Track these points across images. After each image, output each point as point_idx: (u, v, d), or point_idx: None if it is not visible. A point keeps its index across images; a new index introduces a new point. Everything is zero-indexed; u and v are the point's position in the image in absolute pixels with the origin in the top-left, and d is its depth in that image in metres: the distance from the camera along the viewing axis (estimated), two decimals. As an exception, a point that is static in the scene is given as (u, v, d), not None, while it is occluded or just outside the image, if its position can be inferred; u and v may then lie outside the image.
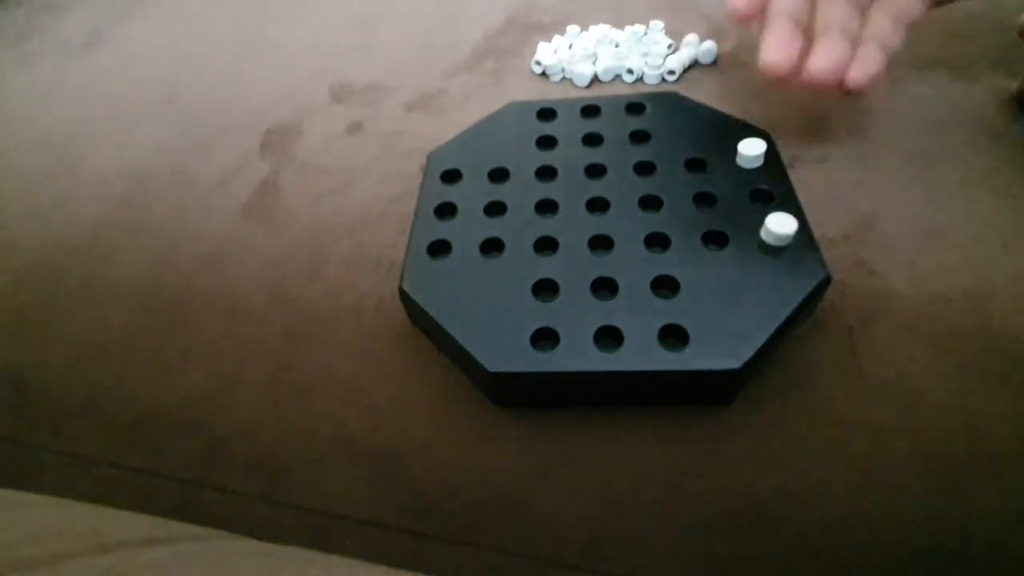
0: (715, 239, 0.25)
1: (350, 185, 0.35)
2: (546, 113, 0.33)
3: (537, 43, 0.42)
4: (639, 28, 0.42)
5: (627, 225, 0.26)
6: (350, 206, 0.34)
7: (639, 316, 0.23)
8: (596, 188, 0.28)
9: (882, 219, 0.29)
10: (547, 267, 0.25)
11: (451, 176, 0.30)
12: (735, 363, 0.21)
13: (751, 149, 0.27)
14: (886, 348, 0.25)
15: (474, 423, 0.24)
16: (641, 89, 0.39)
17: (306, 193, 0.35)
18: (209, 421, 0.26)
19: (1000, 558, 0.20)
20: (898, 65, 0.37)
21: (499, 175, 0.30)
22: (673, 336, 0.22)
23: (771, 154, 0.28)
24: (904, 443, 0.22)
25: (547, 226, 0.27)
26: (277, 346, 0.28)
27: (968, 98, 0.34)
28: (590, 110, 0.33)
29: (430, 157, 0.31)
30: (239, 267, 0.32)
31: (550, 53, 0.41)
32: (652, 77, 0.39)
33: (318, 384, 0.26)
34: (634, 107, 0.32)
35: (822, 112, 0.34)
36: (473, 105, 0.39)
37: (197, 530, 0.21)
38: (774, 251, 0.24)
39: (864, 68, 0.27)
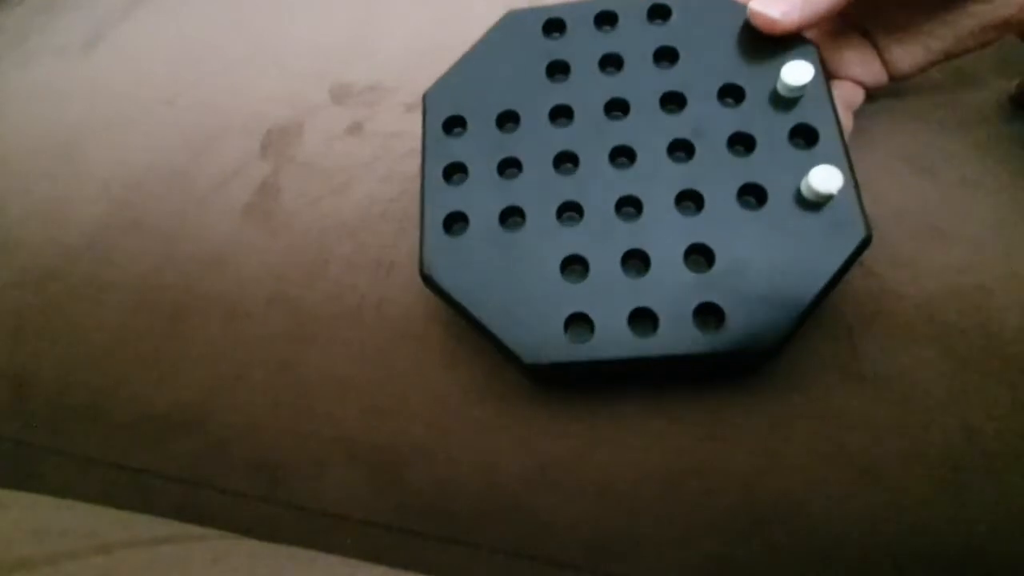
0: (752, 192, 0.23)
1: (350, 186, 0.35)
2: (553, 24, 0.28)
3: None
4: None
5: (656, 181, 0.24)
6: (350, 207, 0.34)
7: (673, 295, 0.22)
8: (619, 132, 0.25)
9: (881, 219, 0.29)
10: (573, 240, 0.23)
11: (454, 124, 0.27)
12: (771, 343, 0.21)
13: (796, 76, 0.24)
14: (886, 348, 0.25)
15: (474, 424, 0.24)
16: None
17: (306, 194, 0.35)
18: (209, 421, 0.26)
19: (1000, 558, 0.20)
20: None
21: (508, 119, 0.27)
22: (709, 312, 0.22)
23: (816, 78, 0.24)
24: (904, 443, 0.22)
25: (569, 187, 0.24)
26: (277, 346, 0.28)
27: (967, 98, 0.34)
28: (605, 18, 0.28)
29: (427, 99, 0.28)
30: (239, 268, 0.32)
31: None
32: None
33: (318, 384, 0.26)
34: (658, 10, 0.27)
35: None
36: (473, 106, 0.39)
37: (197, 530, 0.21)
38: (813, 206, 0.22)
39: None
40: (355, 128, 0.39)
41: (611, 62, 0.27)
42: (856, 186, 0.22)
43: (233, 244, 0.33)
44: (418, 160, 0.36)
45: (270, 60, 0.47)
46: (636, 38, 0.27)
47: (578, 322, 0.22)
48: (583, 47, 0.27)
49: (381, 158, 0.37)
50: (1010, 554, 0.20)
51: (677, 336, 0.21)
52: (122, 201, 0.37)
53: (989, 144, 0.31)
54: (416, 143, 0.37)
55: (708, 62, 0.26)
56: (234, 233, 0.34)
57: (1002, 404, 0.23)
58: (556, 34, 0.28)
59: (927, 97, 0.34)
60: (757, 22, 0.25)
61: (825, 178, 0.21)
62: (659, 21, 0.27)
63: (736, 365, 0.23)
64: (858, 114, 0.34)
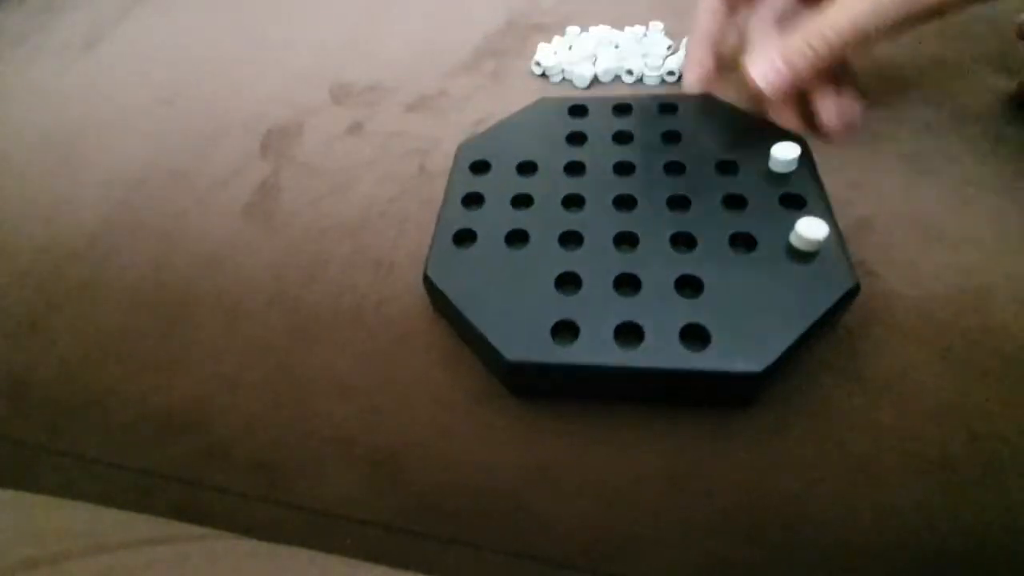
0: (743, 241, 0.25)
1: (350, 186, 0.35)
2: (577, 110, 0.33)
3: (537, 44, 0.43)
4: (639, 29, 0.42)
5: (653, 223, 0.26)
6: (350, 207, 0.34)
7: (661, 314, 0.23)
8: (624, 186, 0.28)
9: (881, 220, 0.29)
10: (571, 261, 0.25)
11: (480, 167, 0.30)
12: (756, 366, 0.21)
13: (784, 153, 0.27)
14: (886, 349, 0.25)
15: (474, 423, 0.24)
16: (670, 89, 0.39)
17: (306, 194, 0.35)
18: (209, 421, 0.26)
19: (999, 558, 0.20)
20: (898, 65, 0.37)
21: (527, 168, 0.30)
22: (695, 336, 0.22)
23: (805, 159, 0.28)
24: (903, 443, 0.22)
25: (573, 220, 0.27)
26: (277, 346, 0.28)
27: (968, 98, 0.34)
28: (622, 108, 0.32)
29: (460, 148, 0.32)
30: (239, 267, 0.32)
31: (550, 54, 0.41)
32: (652, 78, 0.39)
33: (318, 384, 0.26)
34: (667, 107, 0.32)
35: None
36: (473, 106, 0.39)
37: (197, 530, 0.21)
38: (803, 256, 0.24)
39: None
40: (355, 128, 0.39)
41: (623, 138, 0.31)
42: (843, 243, 0.24)
43: (233, 244, 0.33)
44: (418, 160, 0.36)
45: (270, 60, 0.47)
46: (647, 123, 0.31)
47: (565, 331, 0.23)
48: (600, 125, 0.32)
49: (381, 158, 0.37)
50: (1010, 554, 0.20)
51: (661, 350, 0.22)
52: (122, 201, 0.37)
53: (989, 144, 0.31)
54: (416, 143, 0.37)
55: (708, 144, 0.30)
56: (234, 233, 0.34)
57: (1002, 404, 0.23)
58: (579, 116, 0.33)
59: (927, 97, 0.35)
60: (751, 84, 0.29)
61: (812, 226, 0.24)
62: (667, 114, 0.32)
63: (720, 393, 0.23)
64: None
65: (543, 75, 0.41)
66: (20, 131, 0.44)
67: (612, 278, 0.24)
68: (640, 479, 0.22)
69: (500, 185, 0.29)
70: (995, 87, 0.34)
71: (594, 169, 0.29)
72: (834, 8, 0.28)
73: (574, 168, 0.29)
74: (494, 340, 0.23)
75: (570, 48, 0.41)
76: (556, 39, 0.42)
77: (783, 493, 0.22)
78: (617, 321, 0.23)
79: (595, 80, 0.39)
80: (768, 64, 0.29)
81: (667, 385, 0.23)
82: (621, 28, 0.42)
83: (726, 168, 0.28)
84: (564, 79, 0.40)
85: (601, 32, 0.42)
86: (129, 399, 0.27)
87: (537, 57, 0.41)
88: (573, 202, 0.28)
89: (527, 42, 0.44)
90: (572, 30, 0.42)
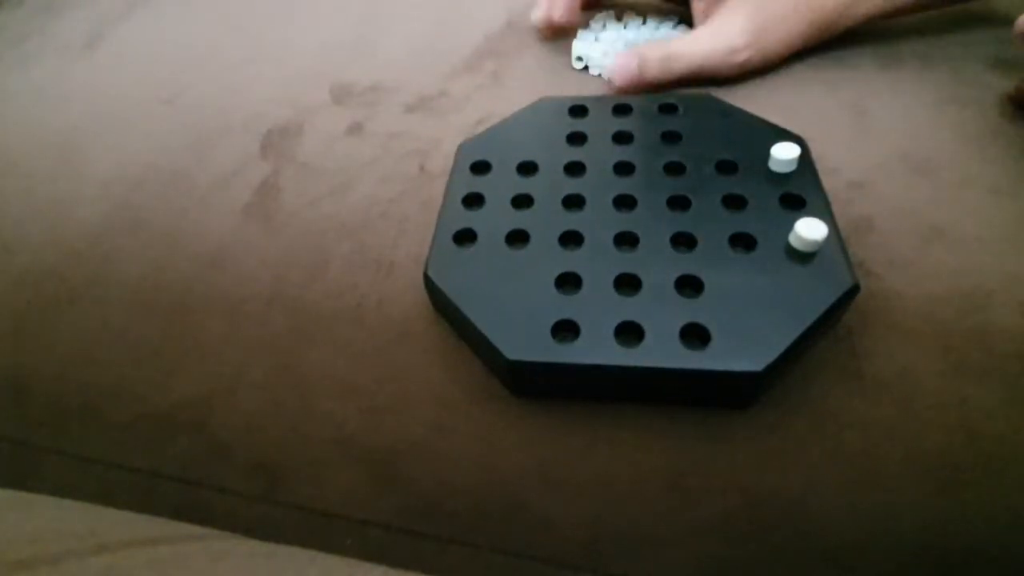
0: (742, 241, 0.25)
1: (350, 186, 0.35)
2: (577, 110, 0.33)
3: (536, 44, 0.43)
4: (653, 20, 0.42)
5: (654, 223, 0.26)
6: (350, 207, 0.34)
7: (661, 314, 0.23)
8: (624, 186, 0.28)
9: (880, 220, 0.29)
10: (571, 260, 0.25)
11: (480, 167, 0.31)
12: (756, 366, 0.21)
13: (784, 153, 0.27)
14: (885, 348, 0.25)
15: (474, 423, 0.24)
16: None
17: (306, 194, 0.35)
18: (209, 421, 0.26)
19: (998, 558, 0.20)
20: (898, 65, 0.37)
21: (528, 168, 0.30)
22: (695, 335, 0.22)
23: (805, 160, 0.28)
24: (903, 443, 0.22)
25: (573, 221, 0.27)
26: (277, 346, 0.28)
27: (967, 98, 0.34)
28: (622, 108, 0.33)
29: (460, 148, 0.32)
30: (239, 267, 0.32)
31: (590, 43, 0.40)
32: None
33: (318, 384, 0.26)
34: (667, 107, 0.32)
35: (818, 113, 0.34)
36: (473, 106, 0.39)
37: (197, 530, 0.21)
38: (802, 257, 0.24)
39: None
40: (355, 128, 0.39)
41: (623, 138, 0.31)
42: (843, 243, 0.25)
43: (233, 244, 0.33)
44: (418, 160, 0.36)
45: (270, 60, 0.47)
46: (646, 123, 0.32)
47: (565, 330, 0.23)
48: (600, 125, 0.32)
49: (381, 158, 0.37)
50: (1010, 554, 0.20)
51: (661, 349, 0.22)
52: (122, 201, 0.37)
53: (989, 144, 0.31)
54: (416, 144, 0.37)
55: (708, 144, 0.30)
56: (234, 233, 0.34)
57: (1001, 404, 0.23)
58: (579, 116, 0.33)
59: (927, 97, 0.35)
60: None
61: (810, 227, 0.24)
62: (667, 114, 0.32)
63: (720, 393, 0.23)
64: (859, 113, 0.34)
65: (585, 68, 0.40)
66: (20, 131, 0.44)
67: (612, 278, 0.24)
68: (640, 479, 0.22)
69: (500, 185, 0.29)
70: (995, 87, 0.34)
71: (594, 169, 0.29)
72: (692, 39, 0.36)
73: (574, 168, 0.30)
74: (495, 339, 0.23)
75: (596, 40, 0.41)
76: (581, 32, 0.42)
77: (783, 493, 0.22)
78: (617, 321, 0.23)
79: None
80: (626, 64, 0.35)
81: (667, 385, 0.23)
82: (624, 21, 0.42)
83: (726, 168, 0.28)
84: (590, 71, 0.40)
85: (616, 22, 0.42)
86: (129, 399, 0.27)
87: (578, 51, 0.40)
88: (573, 202, 0.28)
89: (527, 43, 0.44)
90: (596, 24, 0.42)
